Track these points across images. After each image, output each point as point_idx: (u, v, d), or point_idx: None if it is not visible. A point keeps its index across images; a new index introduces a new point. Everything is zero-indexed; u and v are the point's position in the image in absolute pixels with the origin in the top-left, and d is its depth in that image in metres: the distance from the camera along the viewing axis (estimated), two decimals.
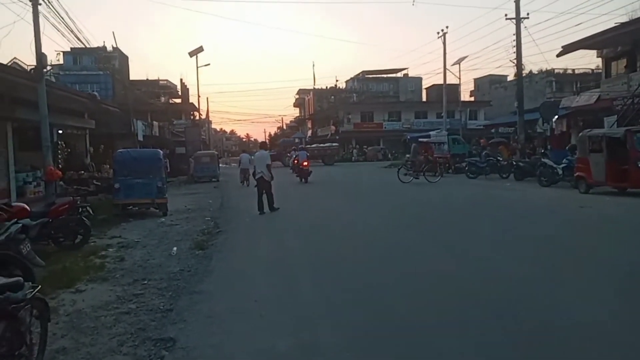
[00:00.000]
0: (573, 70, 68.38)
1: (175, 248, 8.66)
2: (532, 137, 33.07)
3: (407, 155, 34.20)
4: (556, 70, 67.58)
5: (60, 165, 19.78)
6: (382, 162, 47.66)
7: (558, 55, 27.31)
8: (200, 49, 37.54)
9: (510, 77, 74.75)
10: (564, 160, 17.19)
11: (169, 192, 22.11)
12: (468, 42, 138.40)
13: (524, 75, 74.36)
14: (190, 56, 37.20)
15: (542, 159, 18.01)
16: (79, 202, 9.56)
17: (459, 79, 41.42)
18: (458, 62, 40.21)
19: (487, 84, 75.95)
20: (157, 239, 10.21)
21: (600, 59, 29.11)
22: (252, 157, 14.56)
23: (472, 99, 78.53)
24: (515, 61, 27.31)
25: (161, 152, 14.38)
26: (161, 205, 13.91)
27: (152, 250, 8.85)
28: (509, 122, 38.38)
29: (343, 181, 25.16)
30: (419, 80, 78.51)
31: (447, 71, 38.87)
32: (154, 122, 32.78)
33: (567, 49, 26.56)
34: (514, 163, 20.93)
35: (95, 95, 20.11)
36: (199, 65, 38.20)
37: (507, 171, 21.68)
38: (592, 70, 67.28)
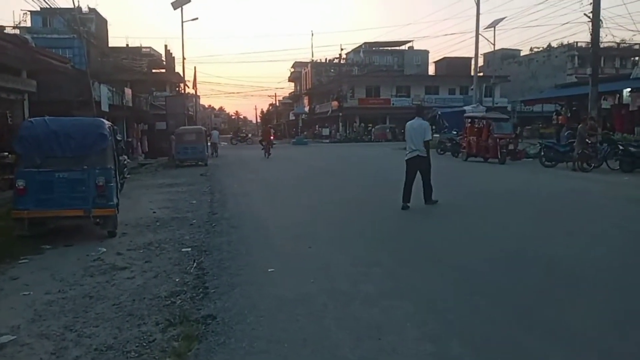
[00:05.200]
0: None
1: None
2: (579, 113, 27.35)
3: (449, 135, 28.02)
4: (579, 44, 61.52)
5: None
6: (393, 143, 41.53)
7: None
8: None
9: (524, 52, 69.12)
10: None
11: (137, 184, 16.00)
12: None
13: (541, 50, 68.46)
14: (174, 8, 30.49)
15: None
16: None
17: (494, 45, 35.12)
18: (493, 26, 33.94)
19: (499, 60, 69.93)
20: (60, 329, 4.18)
21: None
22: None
23: (481, 74, 72.67)
24: (590, 15, 21.14)
25: (106, 123, 8.16)
26: (105, 220, 7.78)
27: None
28: (556, 96, 32.26)
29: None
30: (425, 53, 72.40)
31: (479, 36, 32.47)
32: (127, 90, 26.28)
33: None
34: (621, 148, 14.96)
35: (27, 40, 13.63)
36: (184, 20, 31.56)
37: (596, 158, 15.71)
38: (618, 44, 61.47)
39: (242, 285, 4.93)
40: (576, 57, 61.41)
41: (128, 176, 14.93)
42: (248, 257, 6.11)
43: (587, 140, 15.42)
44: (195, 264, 6.06)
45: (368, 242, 6.77)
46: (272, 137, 29.70)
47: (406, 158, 9.41)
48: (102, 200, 7.54)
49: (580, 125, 15.96)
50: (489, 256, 5.94)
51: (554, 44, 63.69)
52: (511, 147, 19.18)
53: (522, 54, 70.10)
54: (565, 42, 62.42)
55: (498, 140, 18.80)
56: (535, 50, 67.46)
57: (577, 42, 61.41)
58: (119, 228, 8.16)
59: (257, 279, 5.12)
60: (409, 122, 9.65)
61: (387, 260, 5.67)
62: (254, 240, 7.13)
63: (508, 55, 69.78)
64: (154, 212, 10.11)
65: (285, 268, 5.51)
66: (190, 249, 6.87)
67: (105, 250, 6.98)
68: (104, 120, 8.21)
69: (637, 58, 61.58)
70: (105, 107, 20.69)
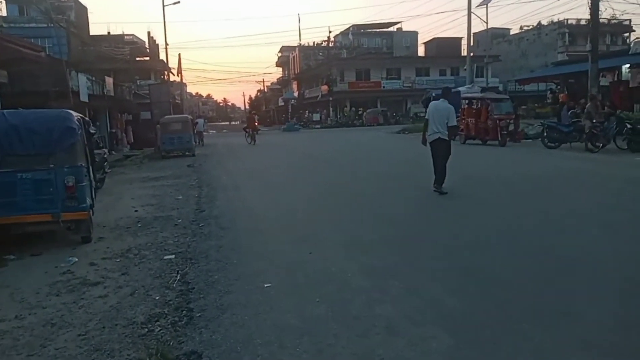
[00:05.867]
0: (588, 21, 61.48)
1: None
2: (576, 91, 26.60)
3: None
4: (569, 21, 60.71)
5: None
6: (385, 127, 40.61)
7: None
8: None
9: (514, 31, 68.17)
10: None
11: (120, 178, 15.00)
12: None
13: (530, 28, 67.42)
14: None
15: None
16: None
17: (486, 23, 34.16)
18: (485, 3, 32.91)
19: (489, 39, 69.02)
20: None
21: None
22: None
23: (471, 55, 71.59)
24: None
25: (75, 114, 7.23)
26: (78, 225, 6.91)
27: None
28: (551, 74, 31.46)
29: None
30: (414, 34, 71.39)
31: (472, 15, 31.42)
32: (108, 79, 25.11)
33: None
34: (629, 126, 14.22)
35: None
36: (165, 4, 30.35)
37: (604, 137, 14.96)
38: (609, 19, 60.67)
39: (234, 308, 4.08)
40: (567, 35, 60.60)
41: (109, 170, 13.99)
42: (240, 267, 5.26)
43: (593, 119, 14.68)
44: (178, 277, 5.22)
45: (377, 245, 5.93)
46: (256, 124, 30.02)
47: (429, 141, 9.08)
48: (73, 202, 6.66)
49: (589, 103, 15.19)
50: (522, 260, 5.13)
51: (544, 22, 62.88)
52: (511, 128, 18.44)
53: (511, 32, 69.17)
54: (555, 20, 61.51)
55: (498, 121, 18.01)
56: (525, 28, 66.62)
57: (567, 19, 60.61)
58: (95, 231, 7.35)
59: (252, 298, 4.27)
60: (434, 102, 9.36)
61: (405, 270, 4.83)
62: (246, 245, 6.27)
63: (497, 35, 68.87)
64: (136, 211, 9.25)
65: (284, 282, 4.66)
66: (173, 257, 6.03)
67: (77, 260, 6.13)
68: (72, 112, 7.24)
69: (626, 34, 60.86)
70: (84, 97, 19.59)
